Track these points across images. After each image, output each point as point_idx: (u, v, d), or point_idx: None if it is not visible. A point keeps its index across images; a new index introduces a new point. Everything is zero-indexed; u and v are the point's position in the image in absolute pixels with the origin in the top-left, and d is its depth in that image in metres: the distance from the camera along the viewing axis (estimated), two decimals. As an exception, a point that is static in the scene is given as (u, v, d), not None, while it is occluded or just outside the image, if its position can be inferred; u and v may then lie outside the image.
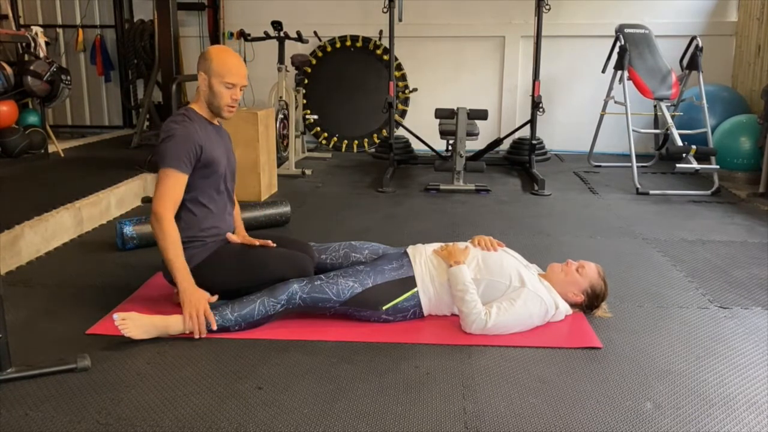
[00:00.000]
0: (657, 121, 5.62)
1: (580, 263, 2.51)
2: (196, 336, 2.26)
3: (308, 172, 5.35)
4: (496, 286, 2.36)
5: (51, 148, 5.26)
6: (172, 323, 2.27)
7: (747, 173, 5.06)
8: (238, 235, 2.64)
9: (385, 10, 5.30)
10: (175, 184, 2.36)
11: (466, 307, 2.28)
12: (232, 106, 2.48)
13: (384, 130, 6.47)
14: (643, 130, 5.44)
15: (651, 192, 4.73)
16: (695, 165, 4.71)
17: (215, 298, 2.36)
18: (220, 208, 2.55)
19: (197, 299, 2.28)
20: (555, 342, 2.29)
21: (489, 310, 2.28)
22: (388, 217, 4.07)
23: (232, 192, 2.67)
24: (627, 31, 5.41)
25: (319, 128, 6.68)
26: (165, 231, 2.31)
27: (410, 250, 2.54)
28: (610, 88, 5.53)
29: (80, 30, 6.87)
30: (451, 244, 2.53)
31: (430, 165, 5.53)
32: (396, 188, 4.88)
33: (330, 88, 6.66)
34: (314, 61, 6.57)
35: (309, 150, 6.42)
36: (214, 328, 2.28)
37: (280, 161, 5.36)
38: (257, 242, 2.56)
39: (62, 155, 5.29)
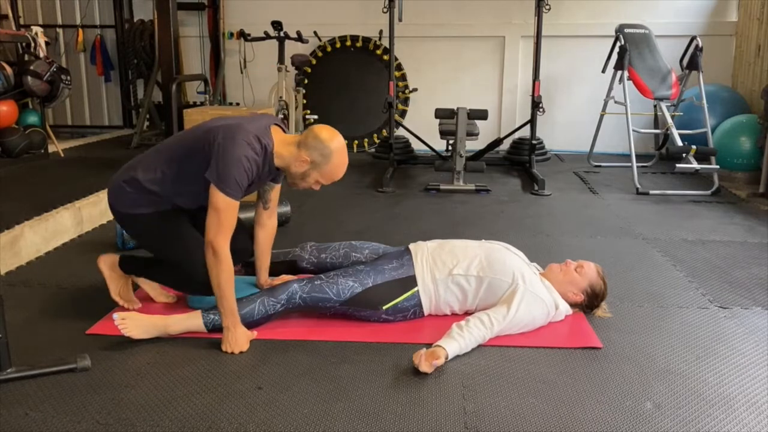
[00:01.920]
0: (657, 121, 5.62)
1: (579, 263, 2.50)
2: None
3: (308, 172, 5.34)
4: (498, 285, 2.36)
5: (51, 148, 5.26)
6: (171, 323, 2.27)
7: (747, 173, 5.05)
8: (258, 276, 2.59)
9: (385, 10, 5.30)
10: (234, 214, 2.19)
11: (478, 341, 2.23)
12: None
13: (384, 130, 6.47)
14: (643, 130, 5.44)
15: (651, 192, 4.73)
16: (695, 165, 4.70)
17: (254, 334, 2.28)
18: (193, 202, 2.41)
19: (239, 339, 2.20)
20: (555, 342, 2.29)
21: (492, 319, 2.24)
22: (388, 217, 4.07)
23: None
24: (627, 31, 5.41)
25: (319, 128, 6.66)
26: (221, 268, 2.15)
27: (412, 247, 2.54)
28: (610, 88, 5.53)
29: (80, 30, 6.86)
30: (423, 350, 2.10)
31: (430, 165, 5.53)
32: (396, 188, 4.88)
33: (330, 88, 6.66)
34: (314, 61, 6.56)
35: (309, 150, 6.41)
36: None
37: (280, 161, 5.35)
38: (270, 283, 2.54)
39: (62, 155, 5.29)
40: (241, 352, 2.20)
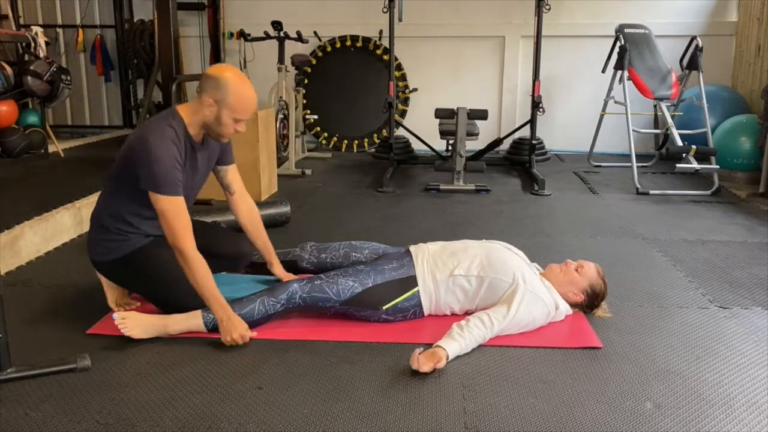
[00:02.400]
0: (657, 121, 5.62)
1: (579, 263, 2.50)
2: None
3: (308, 172, 5.35)
4: (498, 284, 2.36)
5: (51, 148, 5.26)
6: (171, 323, 2.27)
7: (747, 173, 5.05)
8: (270, 263, 2.60)
9: (385, 10, 5.30)
10: (182, 210, 2.20)
11: (478, 342, 2.23)
12: (233, 135, 2.35)
13: (384, 130, 6.47)
14: (643, 130, 5.44)
15: (651, 192, 4.73)
16: (695, 165, 4.70)
17: (254, 333, 2.27)
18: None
19: (238, 327, 2.20)
20: (555, 342, 2.28)
21: (492, 319, 2.24)
22: (388, 217, 4.07)
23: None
24: (627, 31, 5.41)
25: (319, 128, 6.68)
26: (192, 268, 2.17)
27: (413, 249, 2.53)
28: (610, 88, 5.53)
29: (80, 30, 6.86)
30: (419, 350, 2.07)
31: (430, 165, 5.53)
32: (396, 188, 4.88)
33: (330, 88, 6.66)
34: (314, 61, 6.56)
35: (309, 150, 6.42)
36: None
37: (280, 161, 5.35)
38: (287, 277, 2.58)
39: (62, 155, 5.29)
40: (244, 343, 2.21)
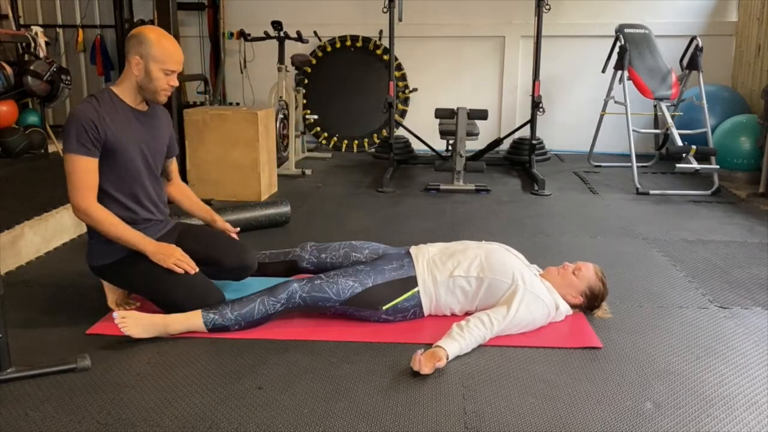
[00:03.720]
0: (657, 121, 5.62)
1: (577, 265, 2.49)
2: (191, 272, 2.31)
3: (308, 172, 5.35)
4: (498, 285, 2.36)
5: (51, 148, 5.26)
6: (172, 322, 2.27)
7: (747, 173, 5.05)
8: (212, 220, 2.69)
9: (385, 10, 5.30)
10: (86, 170, 2.25)
11: (478, 342, 2.23)
12: (168, 91, 2.37)
13: (384, 130, 6.47)
14: (643, 130, 5.43)
15: (651, 192, 4.73)
16: (695, 165, 4.71)
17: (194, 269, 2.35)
18: (138, 203, 2.41)
19: (166, 249, 2.31)
20: (555, 342, 2.29)
21: (492, 319, 2.24)
22: (388, 217, 4.07)
23: (159, 182, 2.53)
24: (627, 31, 5.41)
25: (319, 128, 6.68)
26: (96, 219, 2.26)
27: (413, 250, 2.53)
28: (610, 88, 5.53)
29: (80, 30, 6.86)
30: (420, 351, 2.08)
31: (430, 165, 5.53)
32: (396, 188, 4.88)
33: (330, 88, 6.66)
34: (314, 61, 6.57)
35: (309, 150, 6.42)
36: (196, 270, 2.32)
37: (280, 161, 5.35)
38: (231, 230, 2.67)
39: (62, 155, 5.28)
40: (189, 267, 2.30)
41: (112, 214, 2.29)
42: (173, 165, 2.71)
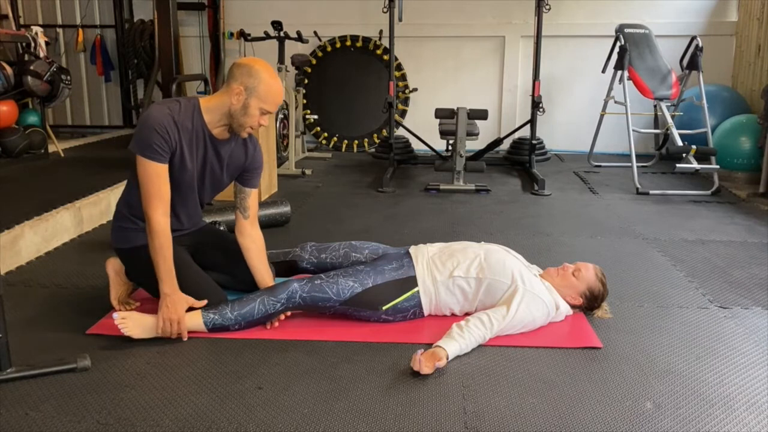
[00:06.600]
0: (657, 121, 5.62)
1: (577, 266, 2.49)
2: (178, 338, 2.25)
3: (308, 172, 5.35)
4: (497, 286, 2.35)
5: (51, 148, 5.26)
6: (172, 323, 2.27)
7: (747, 173, 5.06)
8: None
9: (385, 10, 5.30)
10: (156, 177, 2.18)
11: (478, 341, 2.23)
12: (256, 130, 2.32)
13: (384, 130, 6.47)
14: (643, 130, 5.44)
15: (651, 192, 4.73)
16: (695, 165, 4.71)
17: (203, 303, 2.30)
18: (175, 215, 2.37)
19: (177, 304, 2.22)
20: (555, 342, 2.28)
21: (492, 319, 2.23)
22: (388, 217, 4.07)
23: (202, 204, 2.49)
24: (627, 30, 5.41)
25: (319, 128, 6.68)
26: (154, 236, 2.20)
27: (413, 250, 2.53)
28: (610, 88, 5.53)
29: (80, 30, 6.87)
30: (420, 351, 2.06)
31: (430, 165, 5.53)
32: (396, 188, 4.88)
33: (330, 88, 6.66)
34: (314, 61, 6.57)
35: (309, 150, 6.42)
36: (185, 339, 2.25)
37: (280, 161, 5.36)
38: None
39: (62, 155, 5.29)
40: (179, 336, 2.23)
41: (170, 238, 2.22)
42: (251, 199, 2.45)
